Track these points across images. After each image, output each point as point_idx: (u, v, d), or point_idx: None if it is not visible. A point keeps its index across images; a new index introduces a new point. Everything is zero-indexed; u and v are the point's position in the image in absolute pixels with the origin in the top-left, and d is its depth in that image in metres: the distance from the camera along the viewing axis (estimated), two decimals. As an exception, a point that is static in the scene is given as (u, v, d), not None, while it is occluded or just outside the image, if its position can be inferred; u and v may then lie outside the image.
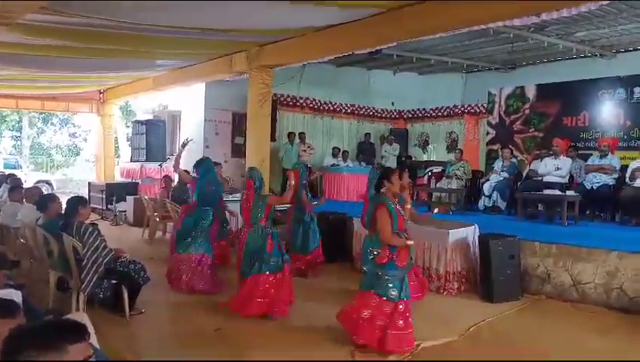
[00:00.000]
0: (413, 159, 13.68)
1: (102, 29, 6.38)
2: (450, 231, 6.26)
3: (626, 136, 9.44)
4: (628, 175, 7.52)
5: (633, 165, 7.60)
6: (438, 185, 9.76)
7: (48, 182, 18.60)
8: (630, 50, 11.05)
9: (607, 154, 7.99)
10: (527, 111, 10.91)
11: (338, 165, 11.89)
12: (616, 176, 7.83)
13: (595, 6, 5.21)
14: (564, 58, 11.84)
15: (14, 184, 8.11)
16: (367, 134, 13.83)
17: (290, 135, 11.92)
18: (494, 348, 4.49)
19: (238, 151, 11.66)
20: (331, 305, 5.06)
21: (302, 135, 12.18)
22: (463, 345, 4.50)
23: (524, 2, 5.10)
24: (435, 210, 7.86)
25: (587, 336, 4.79)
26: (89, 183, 14.00)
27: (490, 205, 8.78)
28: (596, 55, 11.20)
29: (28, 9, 5.23)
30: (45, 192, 8.52)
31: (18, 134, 28.18)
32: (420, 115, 14.62)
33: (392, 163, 12.71)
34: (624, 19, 9.01)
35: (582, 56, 11.43)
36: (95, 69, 9.89)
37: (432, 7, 5.75)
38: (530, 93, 10.89)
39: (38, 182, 16.08)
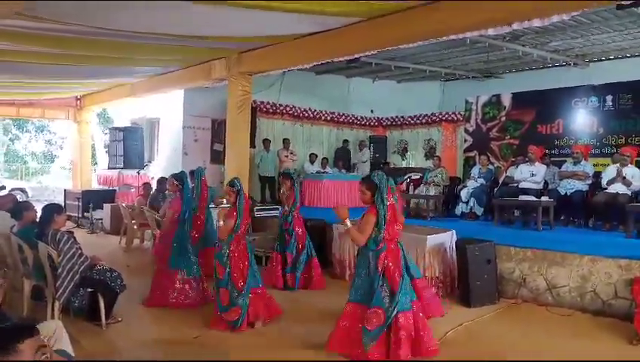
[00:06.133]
0: (392, 166, 13.80)
1: (78, 35, 6.33)
2: (428, 236, 6.32)
3: (598, 143, 9.67)
4: (605, 181, 7.60)
5: (610, 170, 7.69)
6: (416, 191, 9.86)
7: (23, 190, 18.30)
8: (603, 60, 11.35)
9: (581, 161, 8.16)
10: (503, 119, 11.10)
11: (322, 172, 11.89)
12: (589, 182, 8.00)
13: (568, 17, 5.33)
14: (538, 67, 12.11)
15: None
16: (345, 141, 13.91)
17: (266, 142, 11.88)
18: (471, 352, 4.54)
19: (217, 158, 11.63)
20: (312, 314, 5.08)
21: (286, 141, 12.17)
22: (440, 350, 4.54)
23: (497, 12, 5.21)
24: None
25: (562, 339, 4.87)
26: (65, 191, 13.78)
27: (468, 211, 8.90)
28: (570, 64, 11.46)
29: (2, 15, 5.17)
30: (20, 200, 8.39)
31: (-8, 141, 27.66)
32: (399, 122, 14.77)
33: (363, 169, 12.83)
34: (596, 29, 9.26)
35: (556, 65, 11.70)
36: (71, 75, 9.78)
37: (409, 16, 5.82)
38: (506, 101, 11.08)
39: (12, 189, 15.77)
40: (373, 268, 4.16)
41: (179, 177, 6.24)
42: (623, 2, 5.90)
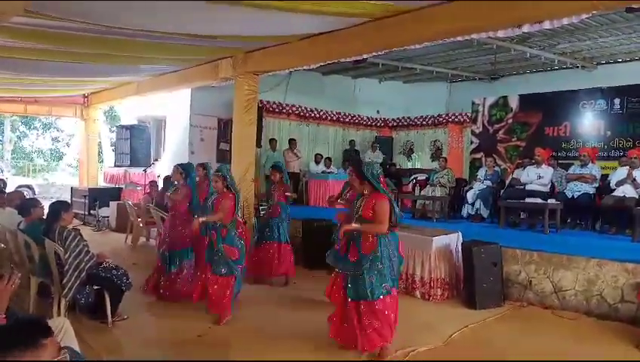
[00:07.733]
0: (398, 167, 13.77)
1: (86, 33, 6.35)
2: (433, 238, 6.32)
3: (606, 146, 9.61)
4: (614, 182, 7.54)
5: (620, 172, 7.63)
6: (422, 192, 9.83)
7: (30, 187, 18.37)
8: (611, 63, 11.28)
9: (588, 164, 8.10)
10: (510, 121, 11.05)
11: (327, 172, 11.86)
12: (596, 185, 7.95)
13: (577, 19, 5.30)
14: (546, 69, 12.04)
15: (-5, 188, 8.01)
16: (352, 141, 13.89)
17: (272, 141, 11.87)
18: (476, 355, 4.53)
19: (223, 157, 11.63)
20: (316, 312, 5.08)
21: (292, 141, 12.16)
22: (445, 352, 4.54)
23: (506, 14, 5.20)
24: None
25: (567, 342, 4.86)
26: (71, 188, 13.85)
27: (474, 213, 8.86)
28: (577, 67, 11.40)
29: (13, 11, 5.19)
30: (27, 197, 8.42)
31: (-1, 138, 27.81)
32: (405, 123, 14.72)
33: None
34: (605, 31, 9.20)
35: (564, 68, 11.62)
36: (79, 73, 9.81)
37: (416, 17, 5.82)
38: (513, 103, 11.03)
39: (19, 186, 15.88)
40: (394, 251, 4.25)
41: (184, 168, 6.24)
42: (633, 6, 5.86)
